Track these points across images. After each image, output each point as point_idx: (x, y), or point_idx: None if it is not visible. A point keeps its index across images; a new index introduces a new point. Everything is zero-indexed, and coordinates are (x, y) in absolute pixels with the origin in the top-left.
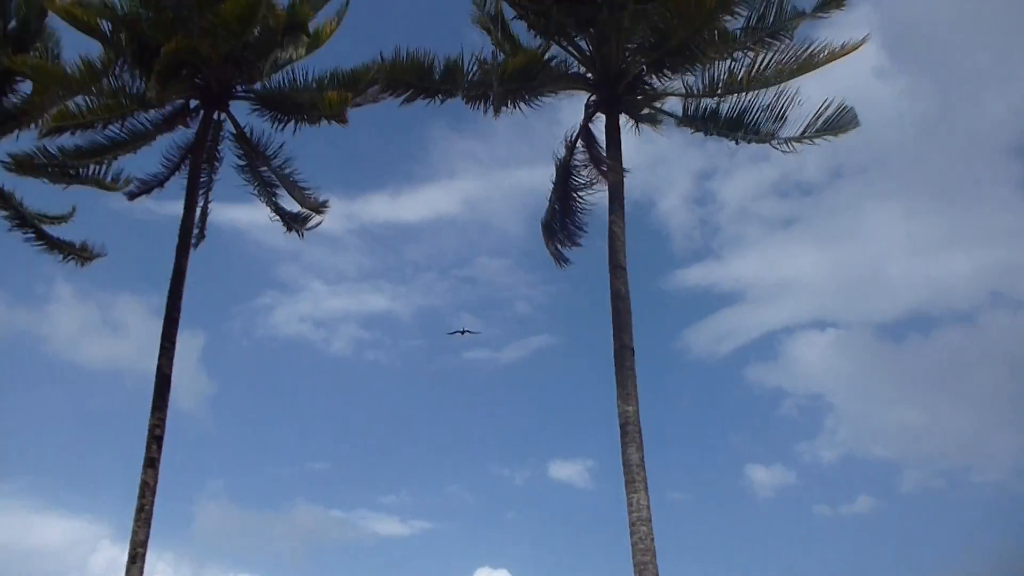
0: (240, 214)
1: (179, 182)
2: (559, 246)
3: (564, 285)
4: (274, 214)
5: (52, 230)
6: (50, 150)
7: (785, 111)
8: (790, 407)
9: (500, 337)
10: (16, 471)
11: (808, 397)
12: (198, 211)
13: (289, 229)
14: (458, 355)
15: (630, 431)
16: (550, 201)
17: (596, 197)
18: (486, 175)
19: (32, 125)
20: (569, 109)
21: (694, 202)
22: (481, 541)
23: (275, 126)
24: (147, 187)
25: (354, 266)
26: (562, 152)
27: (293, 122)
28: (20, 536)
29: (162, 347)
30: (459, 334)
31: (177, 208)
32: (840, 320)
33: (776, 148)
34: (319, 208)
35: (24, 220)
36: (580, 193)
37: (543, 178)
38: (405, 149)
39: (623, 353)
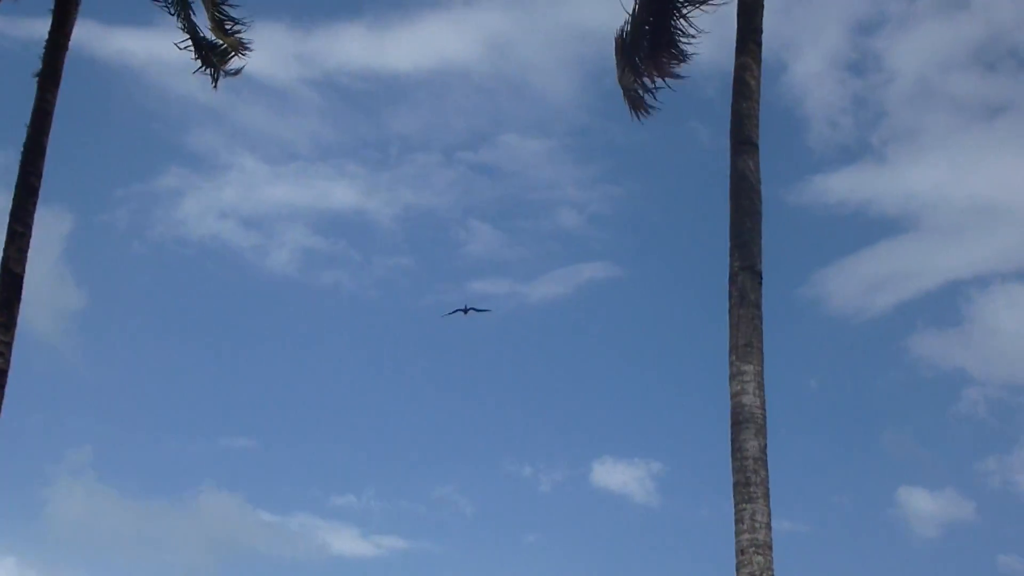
0: (135, 42)
1: None
2: (643, 79)
3: (638, 180)
4: (185, 36)
5: None
6: None
7: None
8: (976, 401)
9: (530, 262)
10: None
11: (1006, 388)
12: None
13: (204, 64)
14: (462, 285)
15: (747, 406)
16: (635, 4)
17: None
18: (520, 3)
19: None
20: None
21: (847, 68)
22: (485, 571)
23: None
24: None
25: (308, 137)
26: None
27: None
28: None
29: (10, 231)
30: (461, 313)
31: (40, 27)
32: None
33: None
34: (238, 47)
35: None
36: (685, 4)
37: (609, 12)
38: None
39: (744, 281)
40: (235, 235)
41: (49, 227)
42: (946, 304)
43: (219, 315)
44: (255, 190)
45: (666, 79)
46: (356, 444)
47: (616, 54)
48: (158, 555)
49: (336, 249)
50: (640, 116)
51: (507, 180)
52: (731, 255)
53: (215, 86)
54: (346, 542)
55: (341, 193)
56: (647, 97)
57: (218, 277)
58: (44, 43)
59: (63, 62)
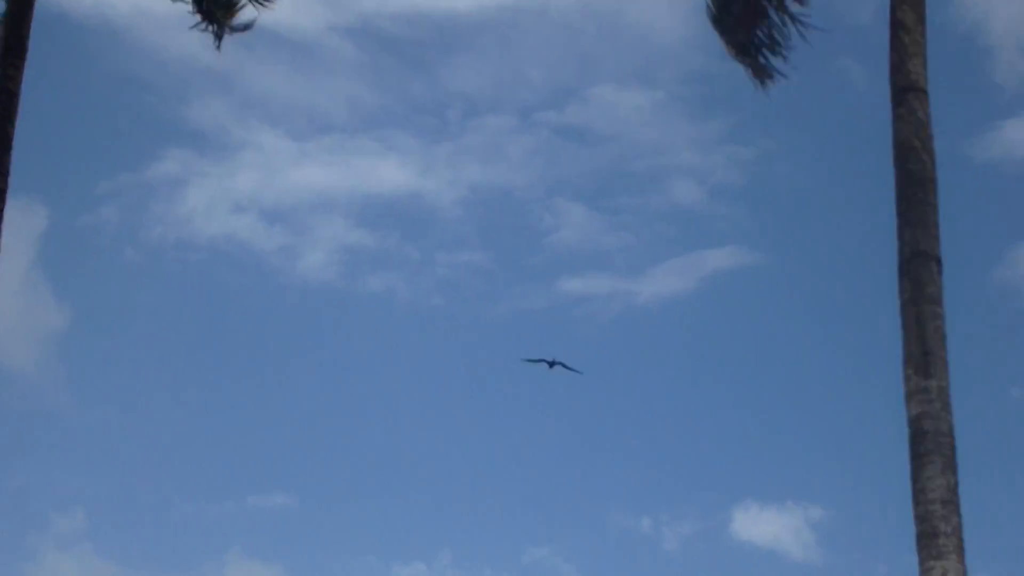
0: None
1: None
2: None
3: (774, 138)
4: None
5: None
6: None
7: None
8: None
9: (637, 252)
10: None
11: None
12: None
13: (205, 19)
14: (550, 286)
15: (931, 433)
16: None
17: None
18: None
19: None
20: None
21: None
22: None
23: None
24: None
25: (344, 103)
26: None
27: None
28: None
29: None
30: (546, 365)
31: None
32: None
33: None
34: None
35: None
36: None
37: None
38: None
39: (918, 270)
40: (255, 233)
41: (19, 229)
42: None
43: (239, 337)
44: (278, 174)
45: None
46: (423, 497)
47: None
48: None
49: (386, 245)
50: (764, 81)
51: (602, 146)
52: (899, 237)
53: (219, 45)
54: None
55: (389, 173)
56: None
57: (235, 288)
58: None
59: (29, 27)
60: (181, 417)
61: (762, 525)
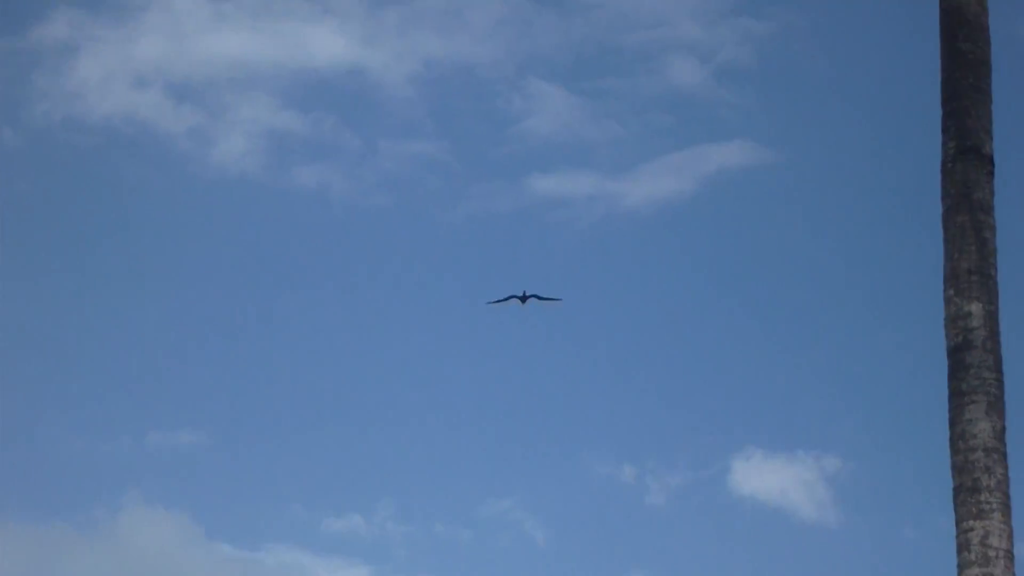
0: None
1: None
2: None
3: (793, 9)
4: None
5: None
6: None
7: None
8: None
9: (626, 145)
10: None
11: None
12: None
13: None
14: (520, 186)
15: (972, 366)
16: None
17: None
18: None
19: None
20: None
21: None
22: None
23: None
24: None
25: None
26: None
27: None
28: None
29: None
30: (517, 301)
31: None
32: None
33: None
34: None
35: None
36: None
37: None
38: None
39: (965, 168)
40: (161, 112)
41: None
42: None
43: (140, 237)
44: (189, 42)
45: None
46: (361, 437)
47: None
48: None
49: (320, 131)
50: None
51: (585, 15)
52: (944, 130)
53: None
54: None
55: (325, 42)
56: None
57: (136, 178)
58: None
59: None
60: (68, 335)
61: (766, 477)
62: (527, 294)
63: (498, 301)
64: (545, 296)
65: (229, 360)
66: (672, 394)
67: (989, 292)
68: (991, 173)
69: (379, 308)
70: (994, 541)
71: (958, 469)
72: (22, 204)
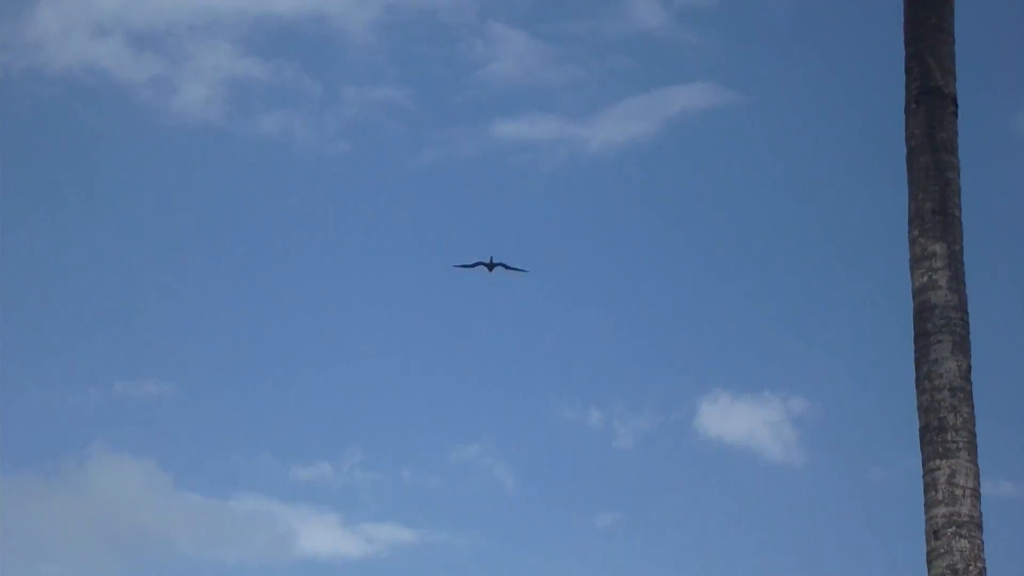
0: None
1: None
2: None
3: None
4: None
5: None
6: None
7: None
8: None
9: (588, 88)
10: None
11: None
12: None
13: None
14: (481, 129)
15: (939, 307)
16: None
17: None
18: None
19: None
20: None
21: None
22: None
23: None
24: None
25: None
26: None
27: None
28: None
29: None
30: (484, 268)
31: None
32: None
33: None
34: None
35: None
36: None
37: None
38: None
39: (929, 109)
40: (121, 62)
41: None
42: None
43: (102, 187)
44: None
45: None
46: (328, 385)
47: None
48: (19, 559)
49: (282, 78)
50: None
51: None
52: (907, 70)
53: None
54: (320, 535)
55: None
56: None
57: (97, 128)
58: None
59: None
60: (31, 286)
61: (733, 419)
62: (494, 261)
63: (465, 266)
64: (512, 265)
65: (194, 309)
66: (638, 337)
67: (953, 232)
68: (954, 113)
69: (343, 254)
70: (960, 480)
71: (924, 409)
72: None
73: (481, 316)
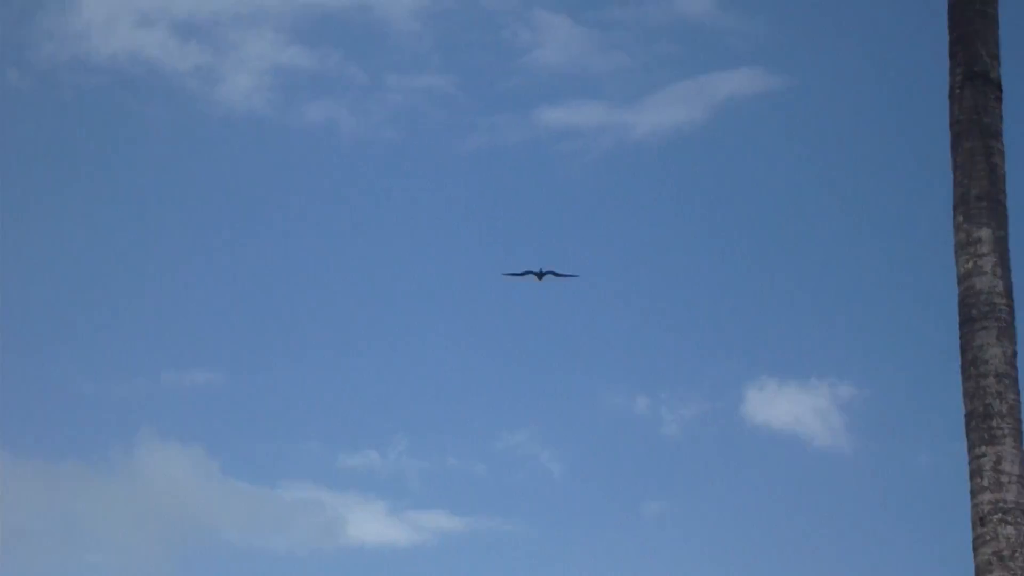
0: None
1: None
2: None
3: None
4: None
5: None
6: None
7: None
8: None
9: (634, 74)
10: None
11: None
12: None
13: None
14: (529, 117)
15: (984, 293)
16: None
17: None
18: None
19: None
20: None
21: None
22: (582, 560)
23: None
24: None
25: None
26: None
27: None
28: None
29: None
30: (534, 277)
31: None
32: None
33: None
34: None
35: None
36: None
37: None
38: None
39: (973, 94)
40: (167, 51)
41: None
42: None
43: (149, 177)
44: None
45: None
46: (376, 374)
47: None
48: (67, 546)
49: (327, 66)
50: None
51: None
52: (951, 55)
53: None
54: (367, 522)
55: None
56: None
57: (143, 117)
58: None
59: None
60: (81, 278)
61: (780, 406)
62: (544, 271)
63: (515, 275)
64: (562, 272)
65: (242, 298)
66: (685, 324)
67: (999, 218)
68: (999, 98)
69: (389, 243)
70: (1007, 466)
71: (970, 395)
72: (29, 145)
73: (528, 303)
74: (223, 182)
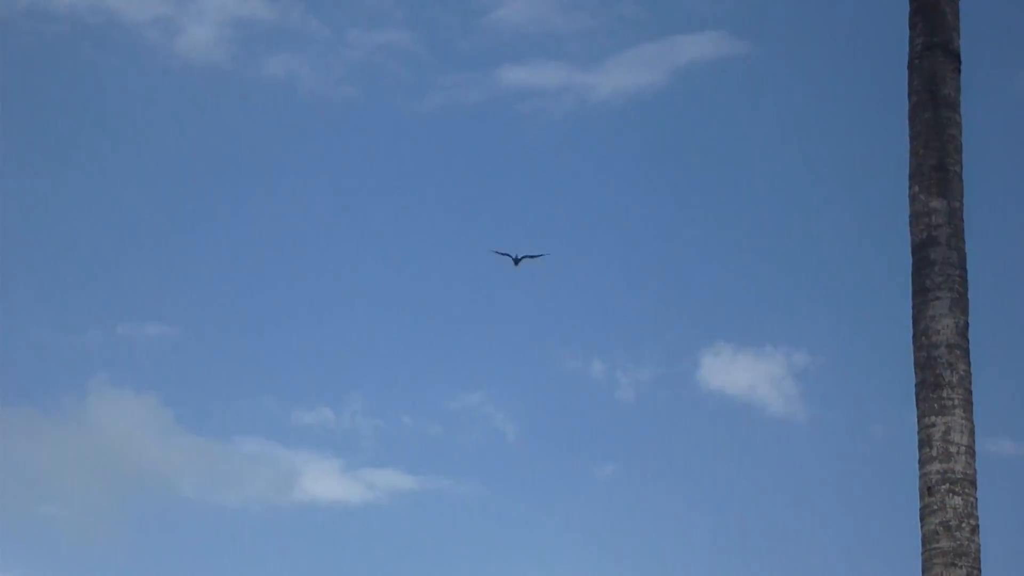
0: None
1: None
2: None
3: None
4: None
5: None
6: None
7: None
8: None
9: (596, 36)
10: None
11: None
12: None
13: None
14: (488, 75)
15: (938, 264)
16: None
17: None
18: None
19: None
20: None
21: None
22: (533, 522)
23: None
24: None
25: None
26: None
27: None
28: None
29: None
30: (511, 261)
31: None
32: None
33: None
34: None
35: None
36: None
37: None
38: None
39: (932, 65)
40: (126, 1)
41: None
42: None
43: (105, 130)
44: None
45: None
46: (330, 330)
47: None
48: (20, 499)
49: (287, 20)
50: None
51: None
52: (911, 25)
53: None
54: (321, 479)
55: None
56: None
57: (101, 68)
58: None
59: None
60: (35, 227)
61: (735, 372)
62: (519, 256)
63: (501, 253)
64: (534, 254)
65: (197, 252)
66: (641, 289)
67: (954, 189)
68: (958, 69)
69: (347, 199)
70: (955, 437)
71: (921, 365)
72: None
73: (485, 266)
74: (181, 134)
